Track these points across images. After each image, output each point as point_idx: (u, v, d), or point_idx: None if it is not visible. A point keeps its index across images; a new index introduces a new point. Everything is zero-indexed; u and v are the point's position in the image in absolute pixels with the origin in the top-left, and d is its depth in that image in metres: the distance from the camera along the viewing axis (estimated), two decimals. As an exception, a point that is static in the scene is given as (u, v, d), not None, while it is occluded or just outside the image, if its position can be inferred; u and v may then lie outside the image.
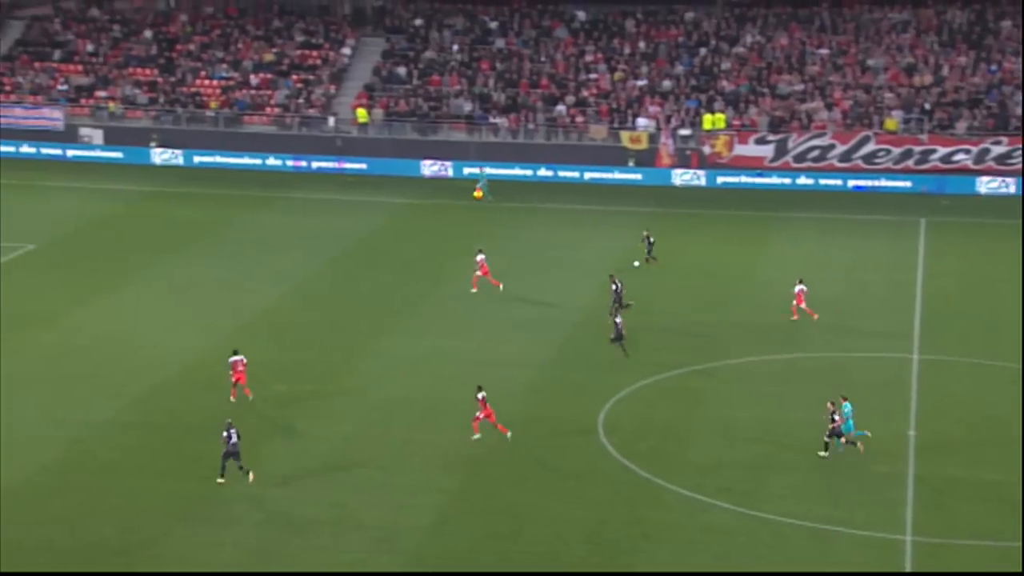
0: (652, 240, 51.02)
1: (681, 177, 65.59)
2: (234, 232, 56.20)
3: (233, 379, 37.29)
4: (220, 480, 32.34)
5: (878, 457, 33.80)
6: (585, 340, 42.91)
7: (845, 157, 64.75)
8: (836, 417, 33.70)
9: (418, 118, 69.57)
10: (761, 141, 65.59)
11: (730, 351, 41.95)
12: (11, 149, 67.89)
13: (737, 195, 63.71)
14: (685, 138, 66.83)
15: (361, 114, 69.49)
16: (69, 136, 68.99)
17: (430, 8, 77.02)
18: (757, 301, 46.92)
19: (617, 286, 43.76)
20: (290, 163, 67.74)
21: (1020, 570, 28.72)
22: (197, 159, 67.68)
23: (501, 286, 47.18)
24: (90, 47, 73.80)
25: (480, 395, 34.79)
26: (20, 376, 38.71)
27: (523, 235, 56.44)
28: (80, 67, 72.50)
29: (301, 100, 70.56)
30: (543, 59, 72.50)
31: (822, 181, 64.36)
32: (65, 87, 70.92)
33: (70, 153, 68.24)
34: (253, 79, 71.89)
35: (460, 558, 29.19)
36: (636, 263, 50.54)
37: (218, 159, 67.63)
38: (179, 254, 51.90)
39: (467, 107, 69.87)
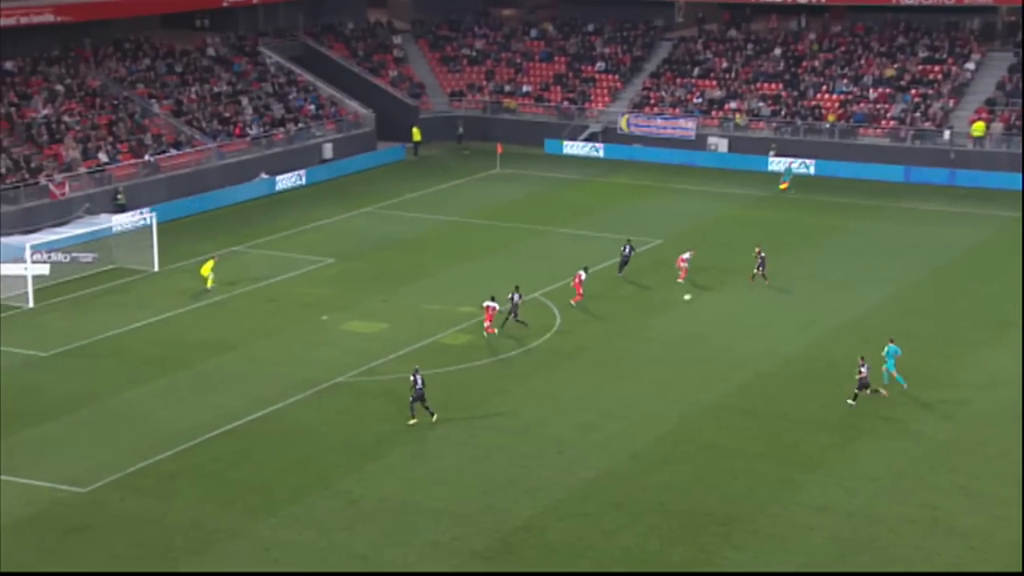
0: (764, 255, 45.90)
1: None
2: (842, 237, 55.32)
3: (575, 284, 44.22)
4: (411, 422, 33.76)
5: None
6: None
7: None
8: (863, 370, 34.88)
9: (1040, 132, 64.42)
10: None
11: None
12: (650, 155, 71.90)
13: None
14: None
15: (977, 128, 65.52)
16: (699, 144, 71.61)
17: (1067, 22, 70.95)
18: None
19: (516, 298, 41.67)
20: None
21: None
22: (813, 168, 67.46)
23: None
24: (724, 64, 76.07)
25: (487, 303, 39.78)
26: (642, 356, 40.54)
27: None
28: (714, 82, 74.97)
29: (917, 114, 67.90)
30: None
31: None
32: (700, 100, 73.72)
33: (698, 159, 70.88)
34: (872, 93, 70.29)
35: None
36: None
37: (831, 168, 66.95)
38: (784, 254, 51.64)
39: (1096, 122, 63.56)
